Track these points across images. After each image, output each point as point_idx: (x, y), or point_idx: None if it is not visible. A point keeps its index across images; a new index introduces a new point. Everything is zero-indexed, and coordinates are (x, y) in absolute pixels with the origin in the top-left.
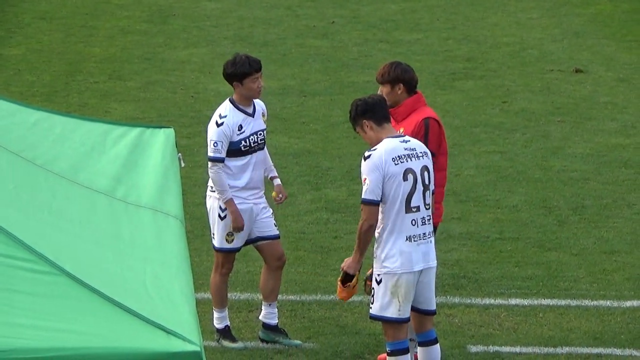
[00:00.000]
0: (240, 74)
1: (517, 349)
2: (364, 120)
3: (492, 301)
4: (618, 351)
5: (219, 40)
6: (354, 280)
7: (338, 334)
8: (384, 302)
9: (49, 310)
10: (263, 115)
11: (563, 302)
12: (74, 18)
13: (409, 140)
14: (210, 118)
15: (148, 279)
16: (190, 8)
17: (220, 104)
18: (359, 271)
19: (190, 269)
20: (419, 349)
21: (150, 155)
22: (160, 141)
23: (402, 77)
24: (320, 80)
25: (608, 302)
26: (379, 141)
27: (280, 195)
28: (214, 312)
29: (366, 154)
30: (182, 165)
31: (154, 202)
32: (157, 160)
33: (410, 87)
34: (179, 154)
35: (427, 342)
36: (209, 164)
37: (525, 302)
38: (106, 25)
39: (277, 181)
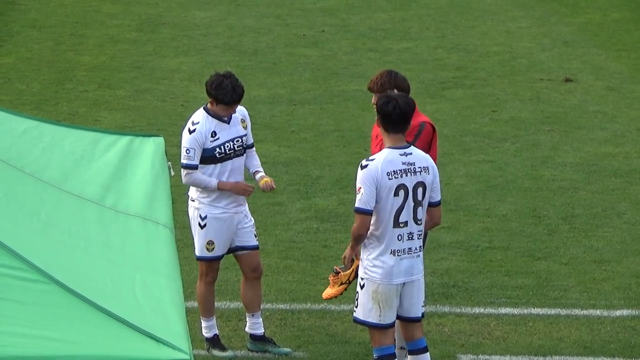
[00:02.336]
0: (218, 99)
1: (507, 358)
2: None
3: (482, 310)
4: None
5: (208, 49)
6: (348, 272)
7: (328, 342)
8: (367, 308)
9: (39, 319)
10: (242, 122)
11: (553, 312)
12: (63, 27)
13: (411, 153)
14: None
15: (138, 288)
16: (180, 17)
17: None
18: (356, 262)
19: (180, 277)
20: (409, 358)
21: (140, 164)
22: (150, 150)
23: (402, 85)
24: (309, 89)
25: (598, 311)
26: (380, 146)
27: (268, 180)
28: (202, 321)
29: (363, 162)
30: (172, 173)
31: (143, 210)
32: (146, 168)
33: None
34: (169, 162)
35: (416, 351)
36: (182, 171)
37: (515, 311)
38: (96, 34)
39: (260, 174)
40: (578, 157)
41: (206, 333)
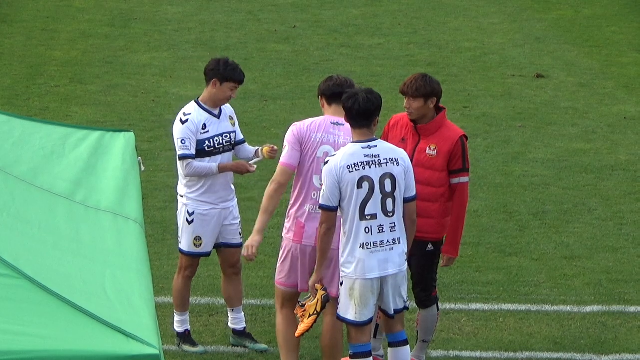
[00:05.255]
0: (227, 76)
1: (478, 354)
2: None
3: (453, 306)
4: (578, 356)
5: (180, 45)
6: (314, 302)
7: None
8: (344, 305)
9: (8, 314)
10: (231, 119)
11: (523, 307)
12: (35, 21)
13: (376, 146)
14: (172, 121)
15: (107, 283)
16: (152, 12)
17: (181, 108)
18: (320, 292)
19: (150, 273)
20: (389, 350)
21: (110, 159)
22: (121, 145)
23: (437, 89)
24: (281, 85)
25: (568, 307)
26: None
27: (267, 147)
28: (175, 315)
29: (326, 159)
30: (142, 169)
31: (113, 205)
32: (117, 163)
33: (439, 100)
34: (139, 157)
35: (396, 343)
36: (181, 163)
37: (486, 307)
38: (67, 29)
39: (258, 147)
40: (549, 153)
41: (178, 327)
